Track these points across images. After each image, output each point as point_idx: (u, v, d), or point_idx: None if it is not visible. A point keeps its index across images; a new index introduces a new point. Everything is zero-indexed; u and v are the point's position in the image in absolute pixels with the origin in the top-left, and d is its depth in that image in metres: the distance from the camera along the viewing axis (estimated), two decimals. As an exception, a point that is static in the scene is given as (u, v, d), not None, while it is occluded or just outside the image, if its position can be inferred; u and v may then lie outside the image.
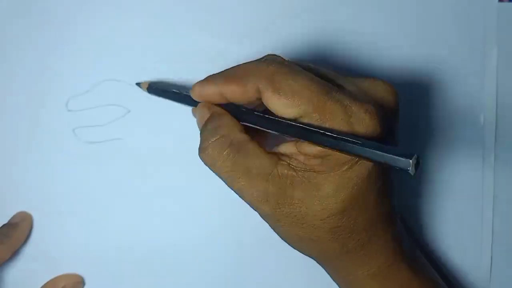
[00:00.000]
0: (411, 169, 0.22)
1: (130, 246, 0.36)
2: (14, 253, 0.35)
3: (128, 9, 0.36)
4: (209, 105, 0.30)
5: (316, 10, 0.37)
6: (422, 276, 0.31)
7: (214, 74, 0.29)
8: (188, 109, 0.33)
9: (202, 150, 0.28)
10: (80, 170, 0.36)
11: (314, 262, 0.31)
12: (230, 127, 0.28)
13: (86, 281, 0.37)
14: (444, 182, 0.37)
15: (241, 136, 0.28)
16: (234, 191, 0.28)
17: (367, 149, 0.23)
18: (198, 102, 0.31)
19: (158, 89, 0.34)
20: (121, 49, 0.36)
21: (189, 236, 0.37)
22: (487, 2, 0.37)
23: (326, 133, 0.25)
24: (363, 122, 0.25)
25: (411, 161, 0.22)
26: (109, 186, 0.36)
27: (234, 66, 0.29)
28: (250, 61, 0.28)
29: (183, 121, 0.36)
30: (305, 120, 0.26)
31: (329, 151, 0.26)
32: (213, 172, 0.28)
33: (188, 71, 0.36)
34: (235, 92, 0.28)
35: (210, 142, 0.28)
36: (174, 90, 0.33)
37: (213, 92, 0.29)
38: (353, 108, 0.25)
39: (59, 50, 0.36)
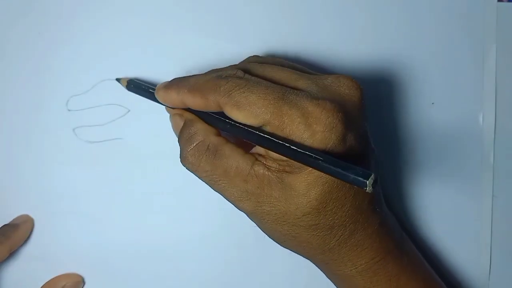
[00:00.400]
0: (368, 189, 0.22)
1: (130, 246, 0.37)
2: (13, 254, 0.35)
3: (128, 9, 0.36)
4: (181, 113, 0.31)
5: (315, 11, 0.37)
6: (411, 270, 0.31)
7: (178, 79, 0.31)
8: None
9: (182, 159, 0.30)
10: (80, 170, 0.36)
11: (314, 262, 0.31)
12: (204, 132, 0.29)
13: (86, 281, 0.37)
14: (443, 182, 0.37)
15: (216, 139, 0.29)
16: (220, 193, 0.29)
17: (325, 165, 0.24)
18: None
19: (137, 87, 0.34)
20: (121, 49, 0.36)
21: (189, 236, 0.37)
22: (486, 2, 0.37)
23: (282, 143, 0.26)
24: (320, 121, 0.26)
25: (367, 181, 0.22)
26: (109, 185, 0.36)
27: (198, 77, 0.30)
28: (212, 74, 0.29)
29: (183, 121, 0.36)
30: (268, 128, 0.27)
31: None
32: (198, 177, 0.30)
33: (188, 71, 0.36)
34: (197, 104, 0.29)
35: (188, 150, 0.29)
36: (151, 90, 0.33)
37: (175, 100, 0.30)
38: (309, 108, 0.26)
39: (59, 50, 0.36)
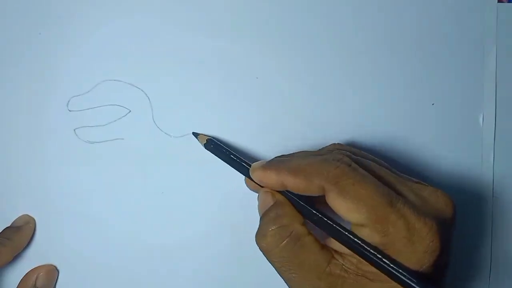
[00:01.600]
0: None
1: (130, 245, 0.37)
2: (16, 257, 0.35)
3: (128, 9, 0.36)
4: (273, 192, 0.30)
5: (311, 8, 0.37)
6: None
7: (277, 161, 0.30)
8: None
9: (260, 236, 0.29)
10: (81, 170, 0.36)
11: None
12: (292, 218, 0.29)
13: (87, 280, 0.37)
14: (443, 182, 0.37)
15: (301, 228, 0.28)
16: (284, 280, 0.29)
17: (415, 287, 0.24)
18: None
19: (217, 148, 0.34)
20: (121, 49, 0.36)
21: (189, 236, 0.37)
22: (486, 2, 0.37)
23: (384, 260, 0.25)
24: (424, 241, 0.25)
25: None
26: (110, 186, 0.36)
27: (299, 159, 0.29)
28: (316, 157, 0.28)
29: (184, 122, 0.36)
30: (367, 230, 0.26)
31: None
32: (266, 258, 0.29)
33: (188, 71, 0.36)
34: (298, 186, 0.28)
35: (270, 229, 0.28)
36: (232, 157, 0.33)
37: (274, 181, 0.29)
38: (416, 225, 0.25)
39: (59, 50, 0.36)
